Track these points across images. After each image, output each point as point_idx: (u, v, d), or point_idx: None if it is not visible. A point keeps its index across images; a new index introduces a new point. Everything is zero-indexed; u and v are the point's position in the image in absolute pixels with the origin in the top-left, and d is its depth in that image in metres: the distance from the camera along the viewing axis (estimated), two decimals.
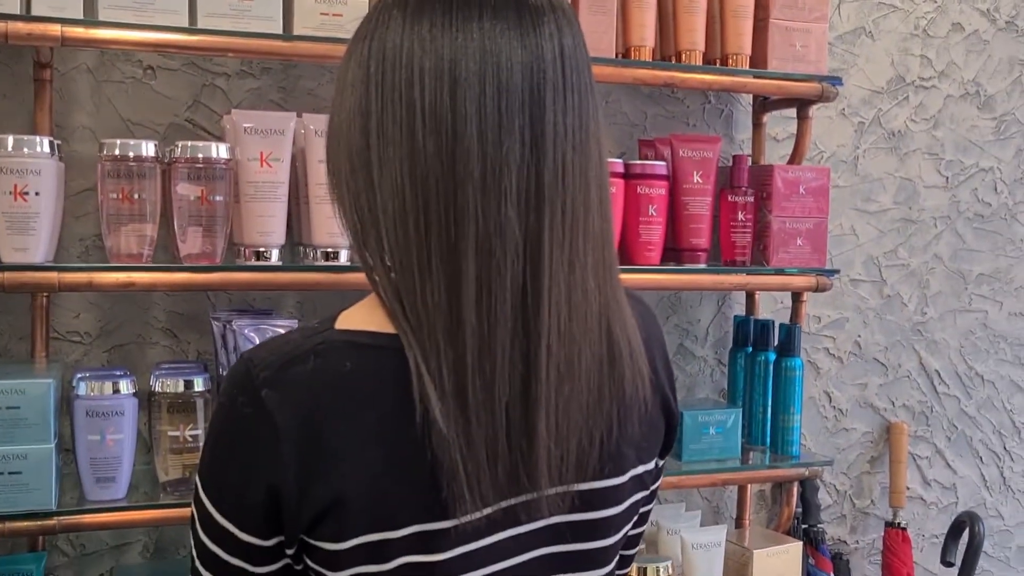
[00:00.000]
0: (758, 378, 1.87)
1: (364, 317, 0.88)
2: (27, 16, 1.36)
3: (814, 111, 1.90)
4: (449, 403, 0.82)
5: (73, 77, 1.63)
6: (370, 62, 0.85)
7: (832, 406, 2.17)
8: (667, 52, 1.75)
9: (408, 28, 0.84)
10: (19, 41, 1.36)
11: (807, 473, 1.82)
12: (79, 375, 1.46)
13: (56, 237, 1.47)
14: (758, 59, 1.74)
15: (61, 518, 1.40)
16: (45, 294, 1.55)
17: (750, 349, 1.89)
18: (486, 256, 0.82)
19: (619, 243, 1.68)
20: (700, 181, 1.72)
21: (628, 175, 1.67)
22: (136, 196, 1.42)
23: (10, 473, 1.38)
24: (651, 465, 0.99)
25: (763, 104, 1.94)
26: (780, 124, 2.04)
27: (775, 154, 2.04)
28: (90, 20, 1.40)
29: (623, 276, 1.60)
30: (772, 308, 2.05)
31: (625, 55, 1.68)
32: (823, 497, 2.16)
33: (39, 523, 1.39)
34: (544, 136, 0.84)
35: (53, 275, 1.39)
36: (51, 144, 1.41)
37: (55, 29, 1.37)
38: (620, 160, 1.68)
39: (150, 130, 1.66)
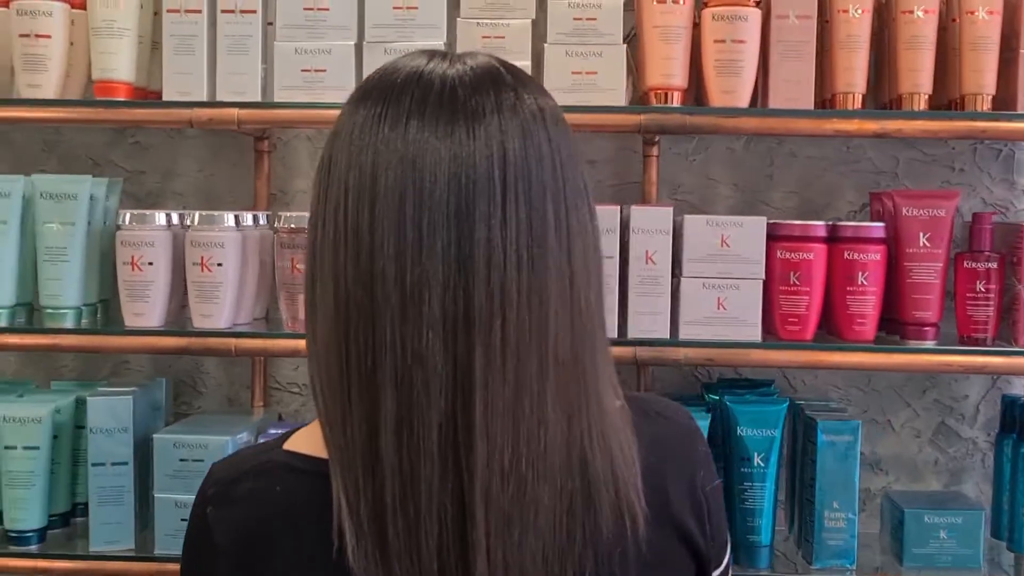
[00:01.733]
0: (1022, 474, 1.56)
1: (310, 438, 0.85)
2: (208, 102, 1.48)
3: None
4: (367, 543, 0.77)
5: (295, 146, 1.75)
6: (320, 173, 0.82)
7: None
8: (892, 95, 1.51)
9: (345, 134, 0.80)
10: (201, 126, 1.48)
11: None
12: (270, 430, 1.56)
13: (248, 301, 1.57)
14: (1007, 99, 1.46)
15: None
16: None
17: (1015, 437, 1.59)
18: (406, 389, 0.76)
19: (821, 315, 1.48)
20: (928, 244, 1.47)
21: (833, 239, 1.47)
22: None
23: None
24: None
25: None
26: None
27: None
28: (266, 103, 1.49)
29: (825, 355, 1.44)
30: None
31: (829, 103, 1.48)
32: None
33: None
34: (472, 255, 0.75)
35: (231, 341, 1.49)
36: (235, 218, 1.51)
37: (232, 113, 1.47)
38: (823, 223, 1.48)
39: None
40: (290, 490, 0.82)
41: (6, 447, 1.53)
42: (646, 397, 0.94)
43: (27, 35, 1.50)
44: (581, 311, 0.80)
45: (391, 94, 0.79)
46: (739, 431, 1.50)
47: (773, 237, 1.47)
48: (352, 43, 1.49)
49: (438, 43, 1.47)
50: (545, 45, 1.47)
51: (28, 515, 1.53)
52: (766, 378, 1.67)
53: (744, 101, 1.45)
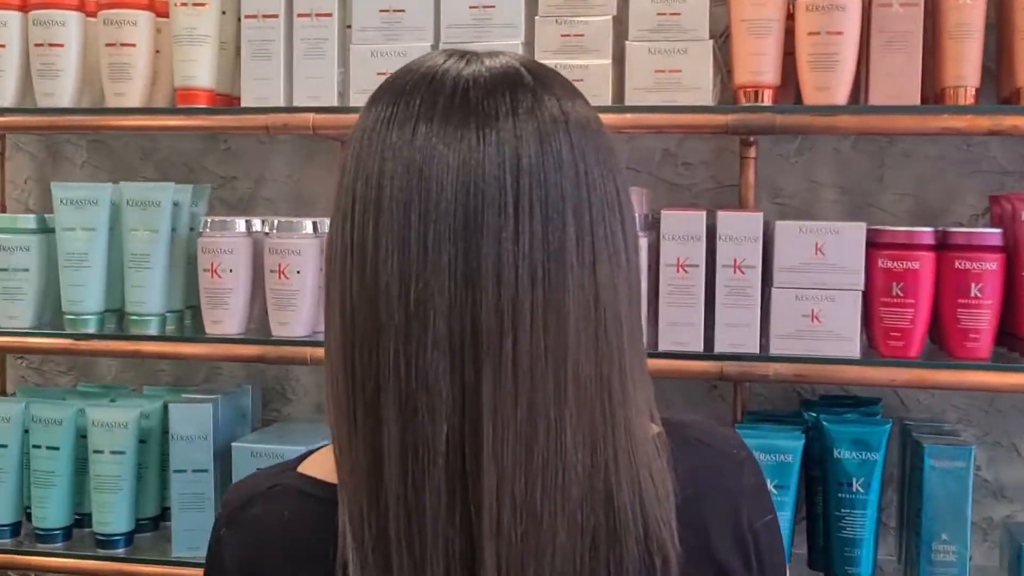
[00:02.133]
0: None
1: (324, 461, 0.81)
2: (284, 108, 1.47)
3: None
4: None
5: None
6: (337, 183, 0.78)
7: None
8: (1011, 89, 1.37)
9: (356, 139, 0.75)
10: (277, 131, 1.46)
11: None
12: None
13: None
14: None
15: None
16: None
17: None
18: (410, 413, 0.71)
19: (929, 330, 1.36)
20: None
21: (942, 246, 1.35)
22: None
23: None
24: None
25: None
26: None
27: None
28: (341, 107, 1.47)
29: (931, 374, 1.32)
30: None
31: (939, 98, 1.35)
32: None
33: None
34: (480, 270, 0.69)
35: (307, 349, 1.47)
36: (313, 225, 1.49)
37: (307, 118, 1.45)
38: (930, 229, 1.36)
39: None
40: (298, 516, 0.78)
41: (94, 451, 1.55)
42: (691, 422, 0.86)
43: (113, 44, 1.52)
44: (607, 330, 0.73)
45: (401, 96, 0.74)
46: (836, 453, 1.39)
47: (874, 245, 1.36)
48: (428, 44, 1.45)
49: (516, 43, 1.42)
50: (627, 43, 1.40)
51: (115, 519, 1.55)
52: (874, 396, 1.55)
53: (841, 98, 1.34)
